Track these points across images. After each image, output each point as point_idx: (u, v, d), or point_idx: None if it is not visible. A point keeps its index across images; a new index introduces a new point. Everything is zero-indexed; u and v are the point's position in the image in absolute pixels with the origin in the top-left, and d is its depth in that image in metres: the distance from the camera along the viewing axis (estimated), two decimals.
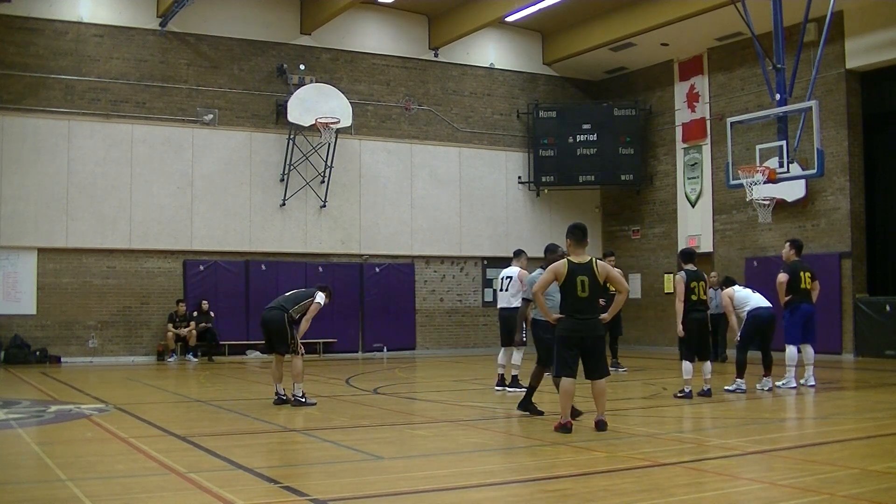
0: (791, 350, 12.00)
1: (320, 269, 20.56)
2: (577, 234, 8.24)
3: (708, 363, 11.27)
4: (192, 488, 5.81)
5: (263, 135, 20.50)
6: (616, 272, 8.51)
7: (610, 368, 14.24)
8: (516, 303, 11.85)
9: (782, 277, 11.97)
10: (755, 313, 11.72)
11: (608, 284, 8.32)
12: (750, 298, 11.91)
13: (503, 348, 12.19)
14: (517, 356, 11.97)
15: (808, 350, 12.19)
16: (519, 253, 12.40)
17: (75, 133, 18.70)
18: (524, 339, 11.89)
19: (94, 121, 18.87)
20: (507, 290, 12.08)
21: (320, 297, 10.56)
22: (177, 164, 19.57)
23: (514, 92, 23.53)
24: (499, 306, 12.34)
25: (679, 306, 10.99)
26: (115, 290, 18.98)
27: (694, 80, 21.87)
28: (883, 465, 6.51)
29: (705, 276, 11.37)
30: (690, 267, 11.16)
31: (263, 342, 10.94)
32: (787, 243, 12.38)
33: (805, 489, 5.68)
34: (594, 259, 8.21)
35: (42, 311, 18.34)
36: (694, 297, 10.96)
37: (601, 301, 9.25)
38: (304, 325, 10.53)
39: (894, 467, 6.52)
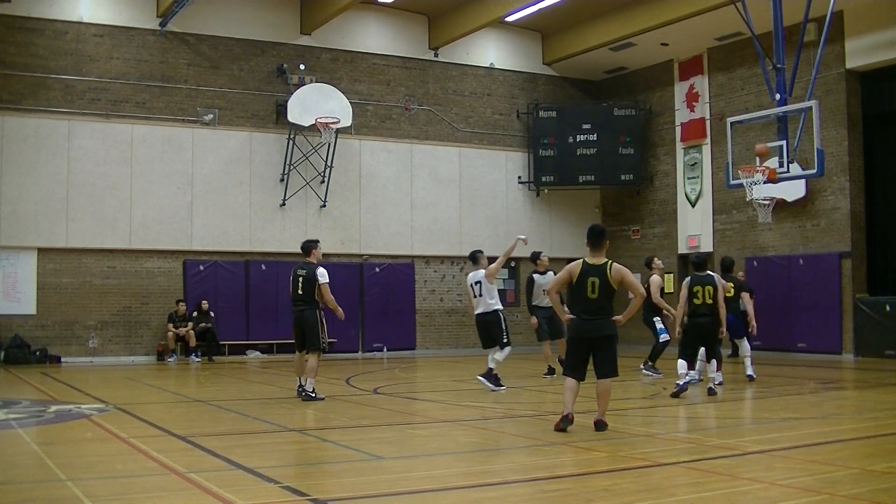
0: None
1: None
2: (591, 237, 8.31)
3: (713, 362, 11.33)
4: (192, 488, 5.80)
5: (263, 135, 20.49)
6: (632, 276, 8.46)
7: (644, 371, 14.20)
8: (495, 306, 11.97)
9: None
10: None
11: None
12: None
13: (490, 350, 12.24)
14: (501, 355, 12.02)
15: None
16: (477, 256, 12.49)
17: (75, 133, 18.69)
18: (506, 340, 11.96)
19: (94, 121, 18.86)
20: (480, 295, 12.07)
21: (322, 275, 10.84)
22: (177, 164, 19.56)
23: (513, 92, 23.52)
24: (476, 312, 12.20)
25: (677, 310, 11.50)
26: (115, 290, 18.98)
27: (694, 79, 21.87)
28: (883, 465, 6.51)
29: (714, 280, 11.25)
30: (699, 273, 11.24)
31: (294, 341, 11.19)
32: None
33: (805, 489, 5.68)
34: (610, 262, 8.20)
35: (42, 310, 18.34)
36: (697, 302, 11.01)
37: None
38: (333, 305, 10.96)
39: (894, 467, 6.52)
